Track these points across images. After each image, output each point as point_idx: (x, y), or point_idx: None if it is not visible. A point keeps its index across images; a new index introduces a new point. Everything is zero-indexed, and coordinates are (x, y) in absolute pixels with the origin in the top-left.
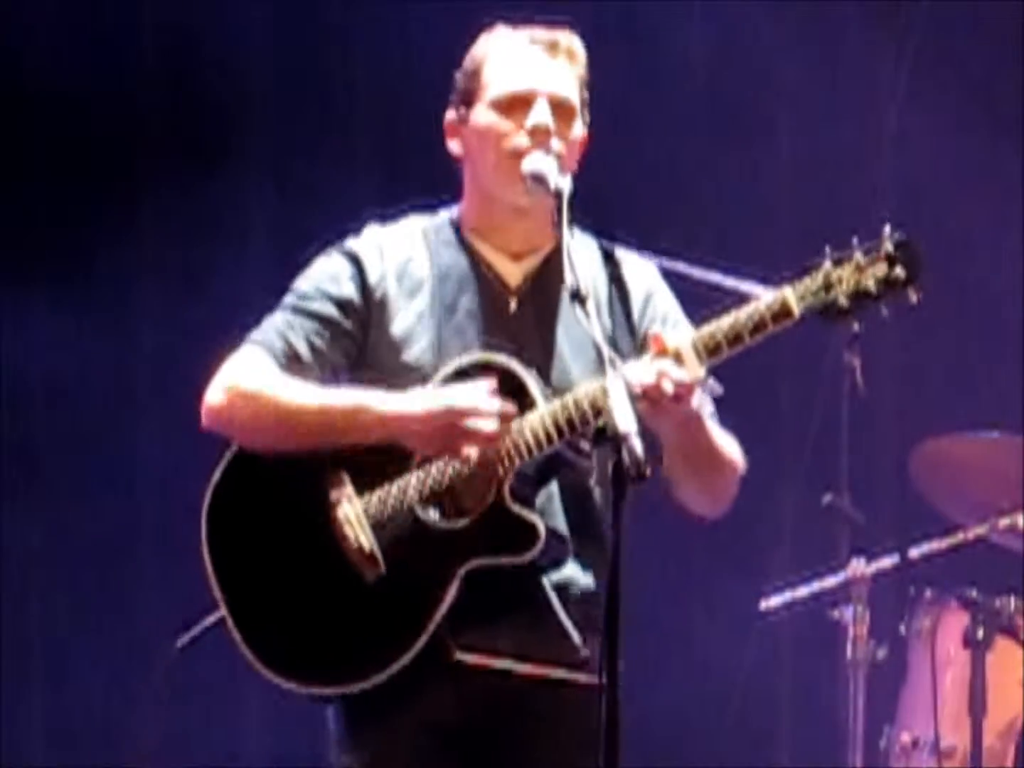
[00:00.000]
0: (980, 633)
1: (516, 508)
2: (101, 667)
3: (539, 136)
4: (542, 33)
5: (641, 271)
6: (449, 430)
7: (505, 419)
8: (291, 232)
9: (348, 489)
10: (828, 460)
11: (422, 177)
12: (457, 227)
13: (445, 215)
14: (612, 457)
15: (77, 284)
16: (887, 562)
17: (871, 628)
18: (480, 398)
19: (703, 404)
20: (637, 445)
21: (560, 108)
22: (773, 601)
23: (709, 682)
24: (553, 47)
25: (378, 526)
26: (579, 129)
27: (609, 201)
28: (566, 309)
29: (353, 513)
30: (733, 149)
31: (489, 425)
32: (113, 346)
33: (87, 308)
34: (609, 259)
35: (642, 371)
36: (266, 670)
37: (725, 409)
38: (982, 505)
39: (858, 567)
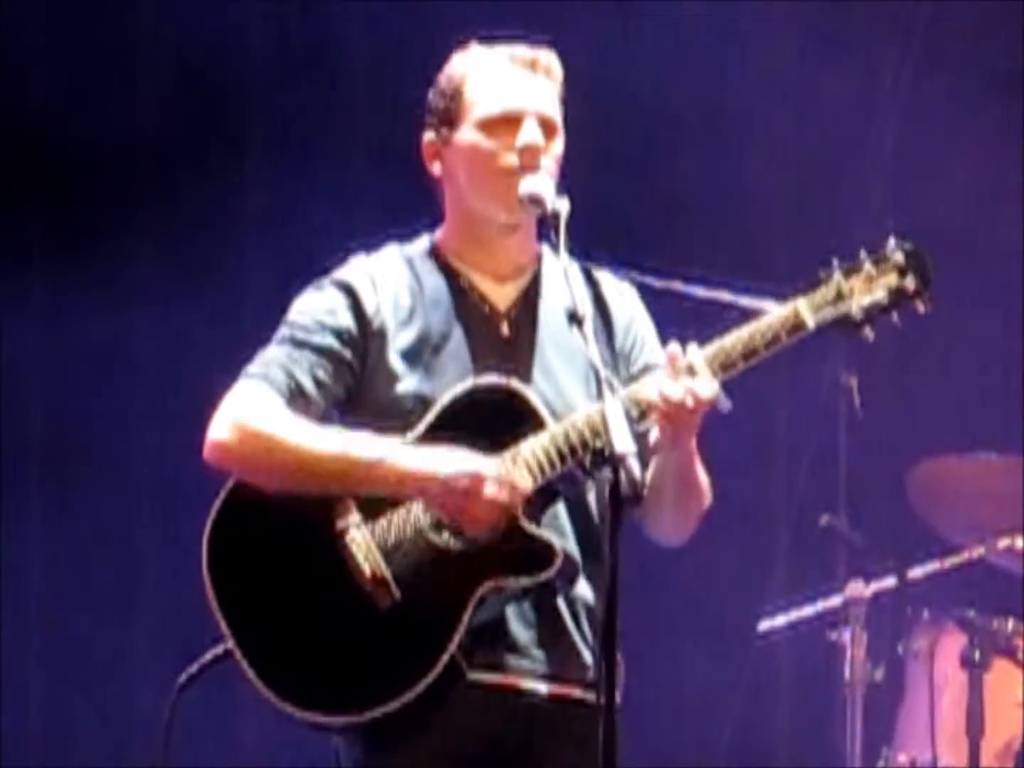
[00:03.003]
0: (978, 654)
1: (531, 528)
2: (101, 666)
3: (529, 155)
4: (521, 51)
5: (621, 292)
6: (466, 496)
7: (517, 492)
8: (289, 229)
9: (355, 516)
10: (825, 481)
11: (419, 178)
12: (440, 253)
13: (426, 241)
14: (609, 478)
15: (76, 274)
16: (885, 583)
17: (869, 649)
18: (503, 468)
19: None
20: (635, 466)
21: (546, 126)
22: (771, 622)
23: (707, 703)
24: (533, 65)
25: (389, 552)
26: (561, 145)
27: (602, 215)
28: (557, 329)
29: (363, 540)
30: (732, 149)
31: (505, 496)
32: (111, 339)
33: (86, 299)
34: (589, 279)
35: (668, 386)
36: (283, 703)
37: (723, 430)
38: (980, 526)
39: (856, 588)
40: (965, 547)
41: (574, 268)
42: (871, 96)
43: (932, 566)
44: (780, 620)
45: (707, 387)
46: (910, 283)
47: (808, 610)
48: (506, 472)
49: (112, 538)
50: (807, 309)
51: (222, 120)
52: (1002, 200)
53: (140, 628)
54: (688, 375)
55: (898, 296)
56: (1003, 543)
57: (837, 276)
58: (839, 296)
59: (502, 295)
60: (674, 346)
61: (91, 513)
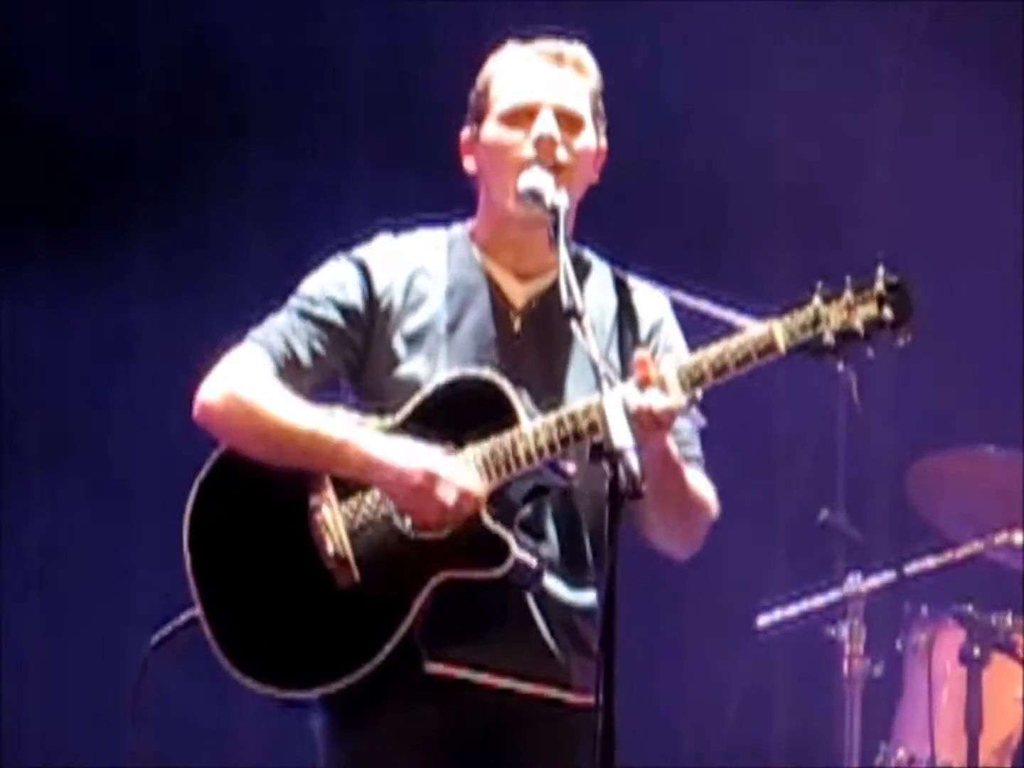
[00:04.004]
0: (976, 650)
1: (491, 523)
2: (100, 661)
3: (544, 146)
4: (548, 45)
5: (653, 301)
6: (416, 493)
7: (468, 498)
8: (289, 220)
9: (328, 494)
10: (824, 477)
11: (418, 176)
12: (470, 242)
13: (460, 229)
14: (608, 473)
15: (76, 266)
16: (883, 579)
17: (867, 645)
18: (459, 471)
19: (690, 445)
20: (634, 461)
21: (566, 119)
22: (769, 618)
23: (705, 699)
24: (559, 58)
25: (355, 532)
26: (589, 140)
27: (600, 216)
28: (571, 333)
29: (331, 518)
30: (730, 149)
31: (453, 499)
32: (111, 328)
33: (86, 289)
34: (621, 286)
35: (634, 395)
36: (236, 672)
37: (722, 426)
38: (978, 522)
39: (854, 584)
40: (964, 542)
41: (603, 272)
42: (871, 96)
43: (930, 562)
44: (778, 615)
45: (672, 400)
46: (888, 315)
47: (806, 605)
48: (460, 475)
49: (111, 530)
50: (781, 332)
51: (222, 112)
52: (1002, 198)
53: (140, 625)
54: (658, 387)
55: (875, 327)
56: (1001, 539)
57: (816, 301)
58: (815, 321)
59: (520, 292)
60: (642, 353)
61: (90, 503)
